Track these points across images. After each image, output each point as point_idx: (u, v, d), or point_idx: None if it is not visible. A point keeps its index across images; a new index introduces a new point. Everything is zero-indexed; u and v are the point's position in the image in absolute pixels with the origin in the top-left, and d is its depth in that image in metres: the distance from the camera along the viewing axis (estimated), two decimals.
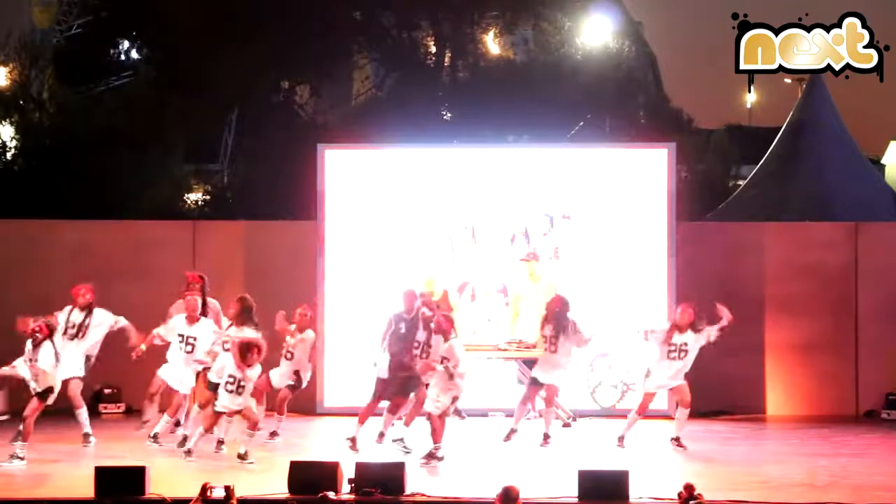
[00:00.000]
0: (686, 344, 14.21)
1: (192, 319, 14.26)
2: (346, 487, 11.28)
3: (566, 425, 15.48)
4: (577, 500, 11.06)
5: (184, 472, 12.41)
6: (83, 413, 14.35)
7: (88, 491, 11.27)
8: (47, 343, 13.14)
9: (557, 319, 14.52)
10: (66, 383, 13.88)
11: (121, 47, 30.29)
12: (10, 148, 25.61)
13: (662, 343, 14.25)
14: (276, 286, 15.55)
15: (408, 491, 11.25)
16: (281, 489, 11.25)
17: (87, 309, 14.42)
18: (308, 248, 16.97)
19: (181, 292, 14.60)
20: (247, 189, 26.92)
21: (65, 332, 14.14)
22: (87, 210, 21.34)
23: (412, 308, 14.20)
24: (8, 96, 26.38)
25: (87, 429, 14.30)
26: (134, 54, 30.24)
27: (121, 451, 13.55)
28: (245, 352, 13.15)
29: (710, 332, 14.20)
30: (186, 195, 27.99)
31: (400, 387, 14.03)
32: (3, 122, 25.75)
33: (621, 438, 14.28)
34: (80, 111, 25.75)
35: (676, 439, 14.28)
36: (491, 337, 15.68)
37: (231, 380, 13.16)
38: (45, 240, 17.66)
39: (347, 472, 11.36)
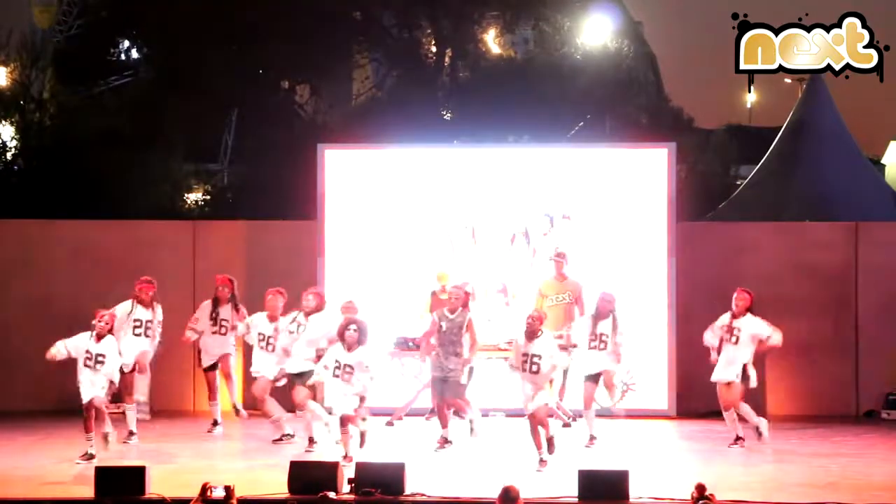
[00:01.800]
0: (739, 329, 13.93)
1: (272, 318, 14.54)
2: (346, 487, 11.29)
3: (566, 425, 15.45)
4: (577, 500, 11.06)
5: (184, 472, 12.40)
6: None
7: (88, 491, 11.28)
8: (110, 337, 13.35)
9: (613, 315, 14.29)
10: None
11: (121, 47, 30.31)
12: (10, 148, 25.61)
13: (723, 331, 14.00)
14: (275, 286, 15.51)
15: (408, 491, 11.25)
16: (281, 489, 11.25)
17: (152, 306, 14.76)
18: (308, 248, 16.95)
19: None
20: (247, 189, 26.93)
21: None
22: (87, 210, 21.34)
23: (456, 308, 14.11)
24: (8, 96, 26.38)
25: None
26: (134, 54, 30.27)
27: (121, 452, 13.53)
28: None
29: (773, 337, 13.98)
30: (186, 195, 28.00)
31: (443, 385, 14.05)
32: (3, 122, 25.75)
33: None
34: (81, 111, 25.76)
35: (736, 440, 14.07)
36: (491, 337, 15.63)
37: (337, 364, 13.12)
38: (45, 240, 17.64)
39: (347, 471, 11.37)
